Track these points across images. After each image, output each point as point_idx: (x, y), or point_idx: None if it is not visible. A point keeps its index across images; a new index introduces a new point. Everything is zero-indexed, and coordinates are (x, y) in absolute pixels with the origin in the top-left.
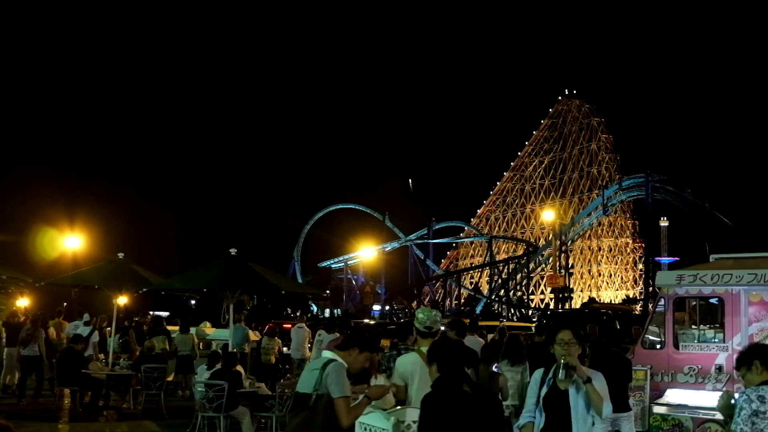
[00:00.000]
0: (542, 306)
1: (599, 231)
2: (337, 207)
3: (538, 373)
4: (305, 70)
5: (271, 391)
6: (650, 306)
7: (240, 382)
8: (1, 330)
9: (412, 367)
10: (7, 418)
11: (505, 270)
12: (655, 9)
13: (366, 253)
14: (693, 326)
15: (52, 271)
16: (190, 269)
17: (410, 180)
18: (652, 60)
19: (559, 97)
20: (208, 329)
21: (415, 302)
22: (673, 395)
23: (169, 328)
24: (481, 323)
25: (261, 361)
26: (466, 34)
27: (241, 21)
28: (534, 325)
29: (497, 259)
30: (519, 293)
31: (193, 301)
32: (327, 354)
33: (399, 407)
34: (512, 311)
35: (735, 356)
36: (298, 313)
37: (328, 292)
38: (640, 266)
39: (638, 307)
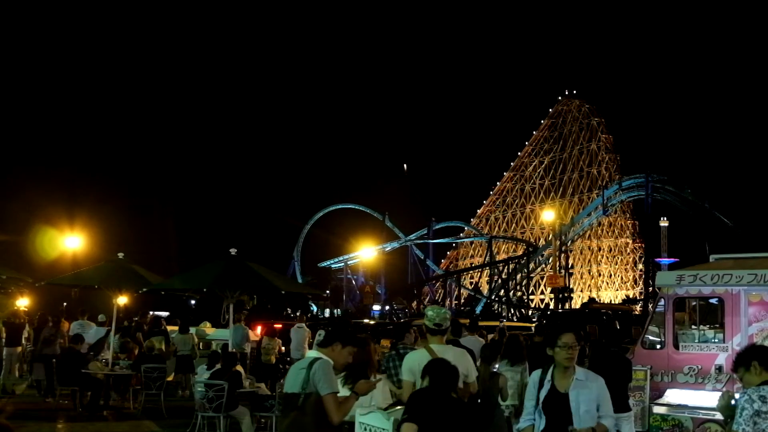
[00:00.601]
0: (542, 306)
1: (599, 231)
2: (337, 207)
3: (536, 374)
4: (305, 69)
5: (271, 391)
6: (650, 306)
7: (240, 382)
8: (1, 330)
9: (420, 366)
10: (8, 418)
11: (505, 270)
12: (655, 9)
13: (366, 253)
14: (693, 326)
15: (52, 271)
16: (190, 269)
17: (405, 165)
18: (652, 60)
19: (559, 97)
20: (208, 329)
21: (415, 302)
22: (673, 395)
23: (169, 328)
24: (481, 323)
25: (261, 361)
26: (466, 34)
27: (241, 21)
28: (534, 325)
29: (497, 259)
30: (519, 293)
31: (193, 301)
32: (311, 353)
33: (399, 407)
34: (512, 311)
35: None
36: (298, 313)
37: (327, 292)
38: (640, 266)
39: (638, 307)
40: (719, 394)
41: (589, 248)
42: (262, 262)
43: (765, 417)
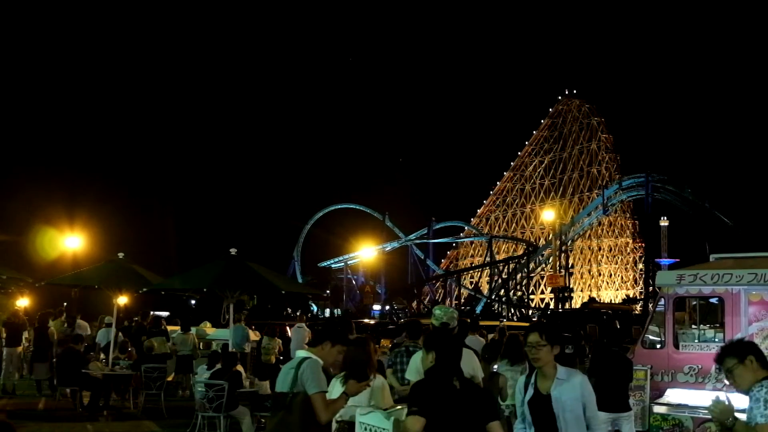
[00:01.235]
0: (542, 306)
1: (599, 231)
2: (337, 207)
3: (521, 379)
4: (305, 70)
5: (271, 391)
6: (650, 306)
7: (240, 382)
8: (1, 330)
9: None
10: (8, 417)
11: (505, 270)
12: (655, 9)
13: (366, 253)
14: (693, 326)
15: (52, 271)
16: (190, 269)
17: (400, 159)
18: (652, 60)
19: (559, 97)
20: (208, 329)
21: (415, 302)
22: (673, 395)
23: (170, 328)
24: (481, 323)
25: (261, 361)
26: (466, 34)
27: (240, 21)
28: None
29: (497, 259)
30: (519, 293)
31: (193, 301)
32: (301, 353)
33: (399, 407)
34: (512, 311)
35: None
36: (298, 313)
37: (328, 292)
38: (640, 266)
39: (638, 307)
40: (713, 397)
41: (589, 248)
42: (262, 262)
43: None
